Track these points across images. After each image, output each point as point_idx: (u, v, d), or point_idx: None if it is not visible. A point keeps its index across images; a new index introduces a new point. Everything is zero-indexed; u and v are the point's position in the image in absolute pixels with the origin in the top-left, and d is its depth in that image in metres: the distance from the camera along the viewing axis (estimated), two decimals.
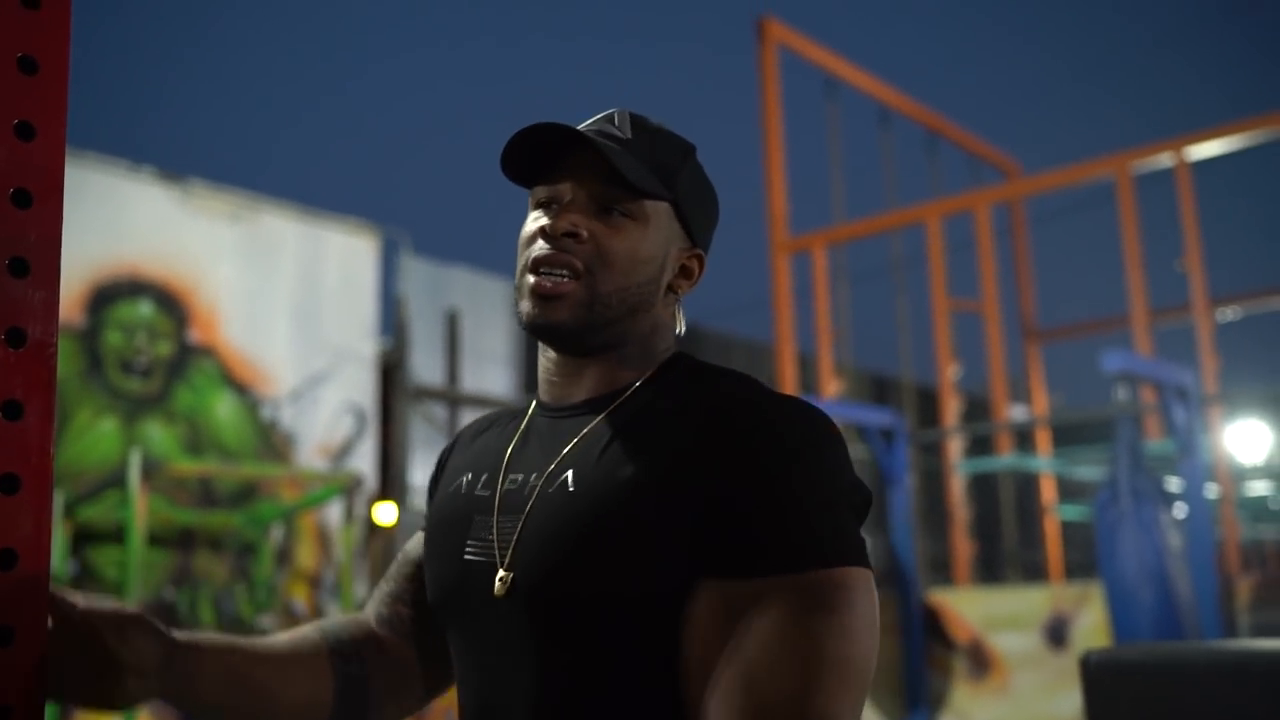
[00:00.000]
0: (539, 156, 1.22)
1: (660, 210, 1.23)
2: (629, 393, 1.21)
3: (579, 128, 1.24)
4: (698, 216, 1.28)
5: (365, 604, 1.43)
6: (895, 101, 9.28)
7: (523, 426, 1.28)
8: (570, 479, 1.16)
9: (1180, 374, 4.74)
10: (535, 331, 1.20)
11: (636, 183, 1.18)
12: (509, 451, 1.26)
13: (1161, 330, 8.18)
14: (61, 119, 0.97)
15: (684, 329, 1.29)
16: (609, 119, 1.25)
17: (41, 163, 0.96)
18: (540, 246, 1.19)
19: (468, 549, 1.20)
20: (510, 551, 1.16)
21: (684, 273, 1.27)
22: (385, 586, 1.41)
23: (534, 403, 1.30)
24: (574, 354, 1.23)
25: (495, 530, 1.18)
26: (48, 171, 0.96)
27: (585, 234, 1.18)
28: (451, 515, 1.26)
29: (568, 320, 1.18)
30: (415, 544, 1.41)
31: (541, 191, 1.23)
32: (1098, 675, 1.27)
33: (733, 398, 1.15)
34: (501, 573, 1.15)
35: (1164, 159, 6.99)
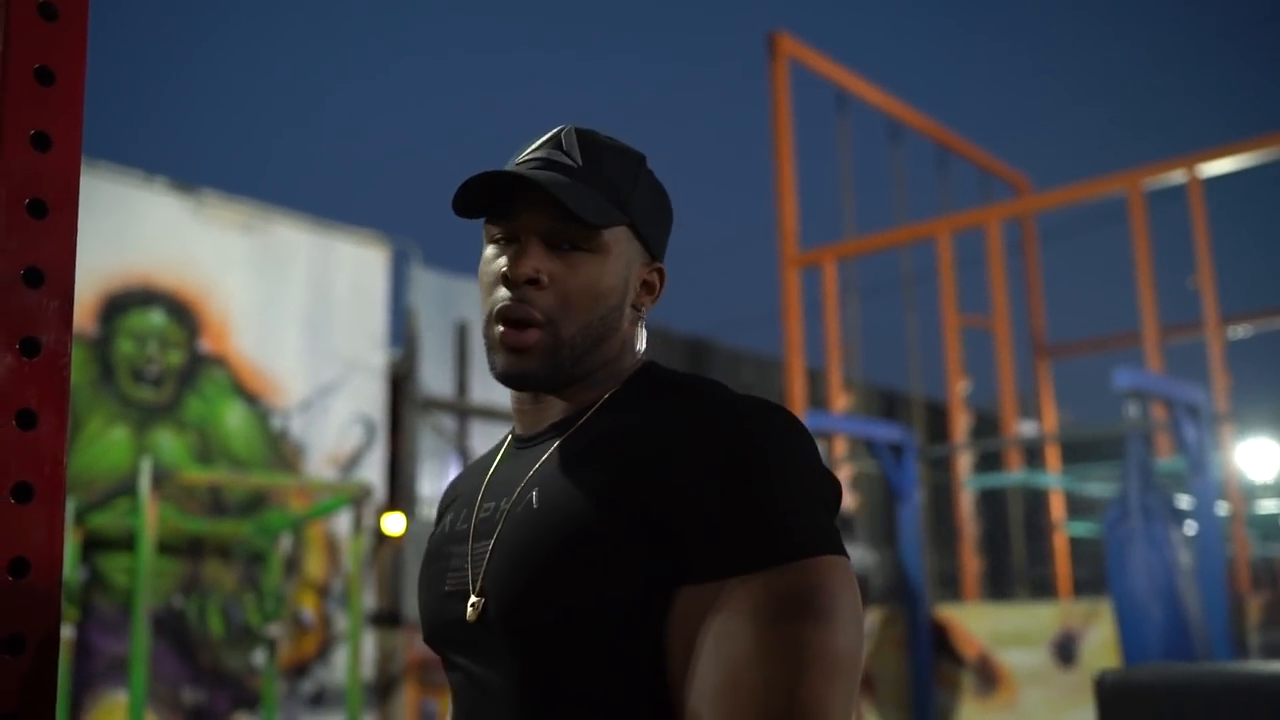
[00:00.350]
0: (491, 193, 1.21)
1: (618, 235, 1.22)
2: (592, 410, 1.22)
3: (526, 153, 1.23)
4: (655, 231, 1.27)
5: None
6: (906, 116, 9.28)
7: (497, 459, 1.30)
8: (534, 498, 1.16)
9: (1191, 391, 4.73)
10: (508, 383, 1.22)
11: (591, 219, 1.17)
12: (484, 484, 1.27)
13: (1172, 347, 8.15)
14: (77, 130, 0.98)
15: (644, 345, 1.29)
16: (557, 143, 1.23)
17: (57, 173, 0.96)
18: (503, 295, 1.19)
19: (448, 581, 1.21)
20: (481, 576, 1.16)
21: (646, 289, 1.27)
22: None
23: (509, 436, 1.32)
24: (546, 392, 1.24)
25: (469, 558, 1.19)
26: (63, 182, 0.97)
27: (545, 279, 1.18)
28: (434, 553, 1.28)
29: (537, 370, 1.19)
30: None
31: (496, 229, 1.22)
32: (1112, 696, 1.27)
33: (694, 402, 1.15)
34: (473, 598, 1.15)
35: (1176, 176, 6.98)
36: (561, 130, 1.25)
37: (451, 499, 1.36)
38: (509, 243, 1.21)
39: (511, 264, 1.18)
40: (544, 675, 1.12)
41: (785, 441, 1.10)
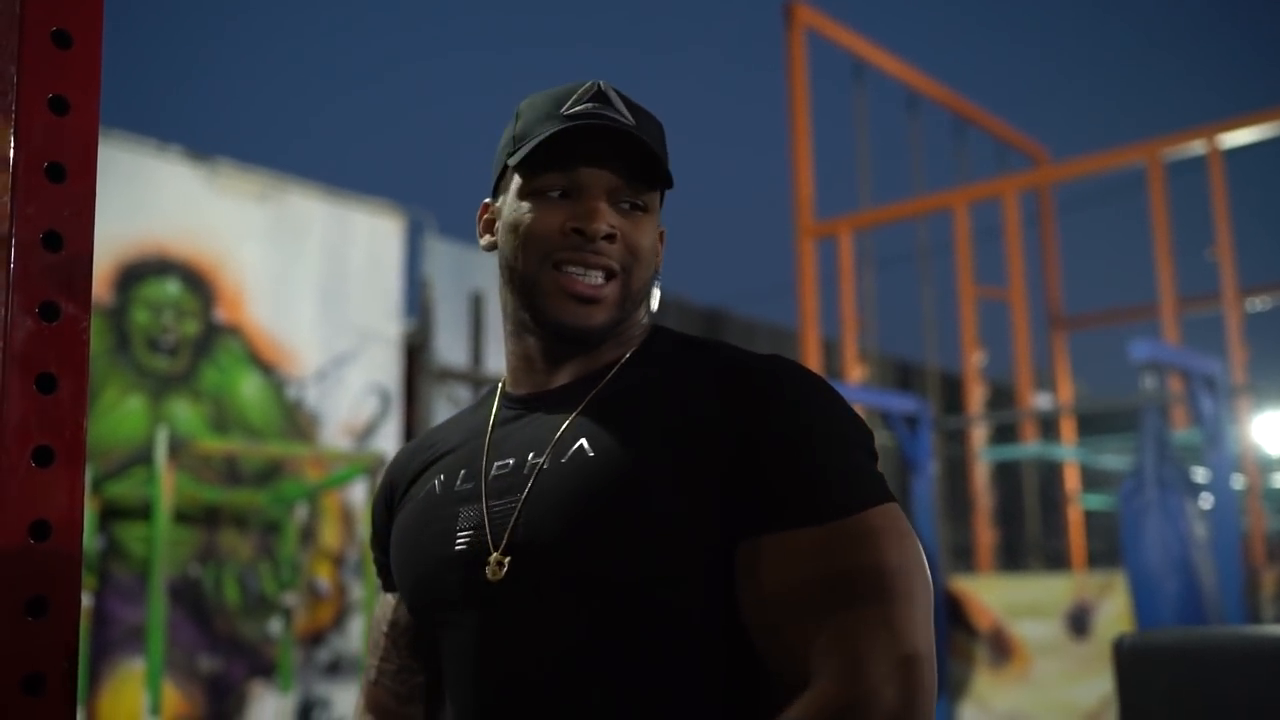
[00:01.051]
0: (547, 145, 1.17)
1: (656, 195, 1.23)
2: (619, 366, 1.21)
3: (572, 107, 1.19)
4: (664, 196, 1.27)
5: (369, 688, 1.35)
6: (923, 86, 9.22)
7: (493, 419, 1.25)
8: (587, 445, 1.13)
9: (1208, 363, 4.71)
10: (566, 334, 1.18)
11: (668, 174, 1.18)
12: (486, 443, 1.22)
13: (1190, 319, 8.11)
14: (95, 93, 0.98)
15: (656, 303, 1.27)
16: (603, 99, 1.20)
17: (75, 137, 0.96)
18: (571, 244, 1.16)
19: (459, 539, 1.16)
20: (508, 533, 1.12)
21: (657, 252, 1.27)
22: (387, 665, 1.33)
23: (498, 397, 1.27)
24: (585, 346, 1.21)
25: (486, 515, 1.15)
26: (82, 146, 0.96)
27: (619, 234, 1.17)
28: (430, 514, 1.21)
29: (605, 323, 1.18)
30: (386, 606, 1.34)
31: (555, 181, 1.18)
32: (1130, 660, 1.27)
33: (729, 364, 1.16)
34: (495, 555, 1.12)
35: (1196, 146, 6.92)
36: (597, 85, 1.21)
37: (424, 464, 1.29)
38: (565, 197, 1.18)
39: (588, 218, 1.16)
40: (592, 631, 1.08)
41: (824, 400, 1.13)
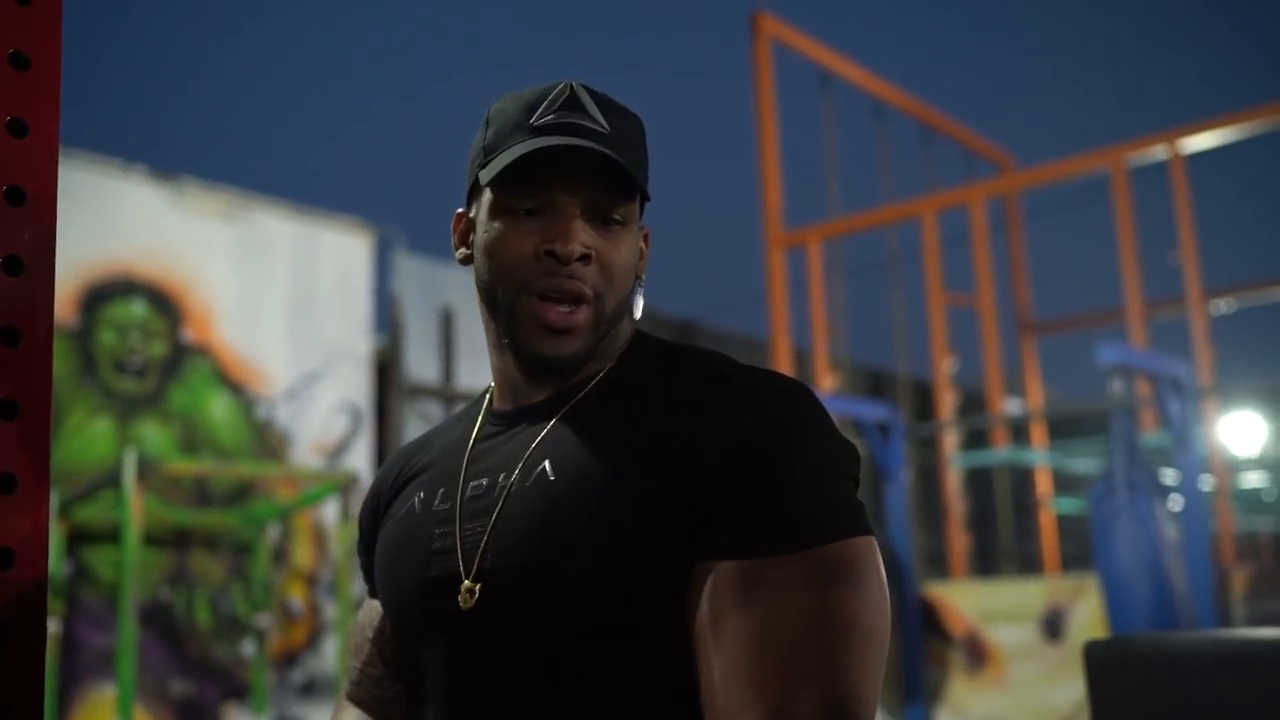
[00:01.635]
0: (520, 162, 1.12)
1: (634, 204, 1.16)
2: (595, 382, 1.17)
3: (543, 116, 1.14)
4: (646, 193, 1.20)
5: (352, 691, 1.34)
6: (889, 96, 9.28)
7: (474, 435, 1.22)
8: (549, 468, 1.10)
9: (1175, 366, 4.75)
10: (541, 364, 1.15)
11: (641, 186, 1.13)
12: (465, 461, 1.20)
13: (1156, 323, 8.19)
14: (54, 115, 0.97)
15: (639, 311, 1.22)
16: (576, 105, 1.14)
17: (35, 160, 0.95)
18: (544, 269, 1.11)
19: (433, 564, 1.14)
20: (478, 558, 1.10)
21: (639, 255, 1.21)
22: (371, 670, 1.31)
23: (484, 409, 1.25)
24: (560, 374, 1.18)
25: (459, 540, 1.13)
26: (41, 169, 0.95)
27: (593, 254, 1.12)
28: (409, 533, 1.19)
29: (579, 352, 1.14)
30: (372, 611, 1.33)
31: (526, 198, 1.13)
32: (1101, 665, 1.27)
33: (711, 376, 1.12)
34: (467, 583, 1.10)
35: (1158, 151, 7.00)
36: (570, 88, 1.16)
37: (409, 475, 1.27)
38: (533, 215, 1.13)
39: (562, 239, 1.11)
40: (564, 654, 1.07)
41: (808, 419, 1.07)
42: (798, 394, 1.10)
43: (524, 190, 1.13)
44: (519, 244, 1.13)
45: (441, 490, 1.20)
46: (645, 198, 1.18)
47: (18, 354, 0.91)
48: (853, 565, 1.01)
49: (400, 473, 1.30)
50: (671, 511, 1.04)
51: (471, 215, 1.21)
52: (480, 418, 1.25)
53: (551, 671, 1.07)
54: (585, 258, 1.12)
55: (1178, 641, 1.30)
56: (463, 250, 1.24)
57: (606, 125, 1.13)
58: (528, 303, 1.13)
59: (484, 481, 1.16)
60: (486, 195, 1.16)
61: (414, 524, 1.20)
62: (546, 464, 1.11)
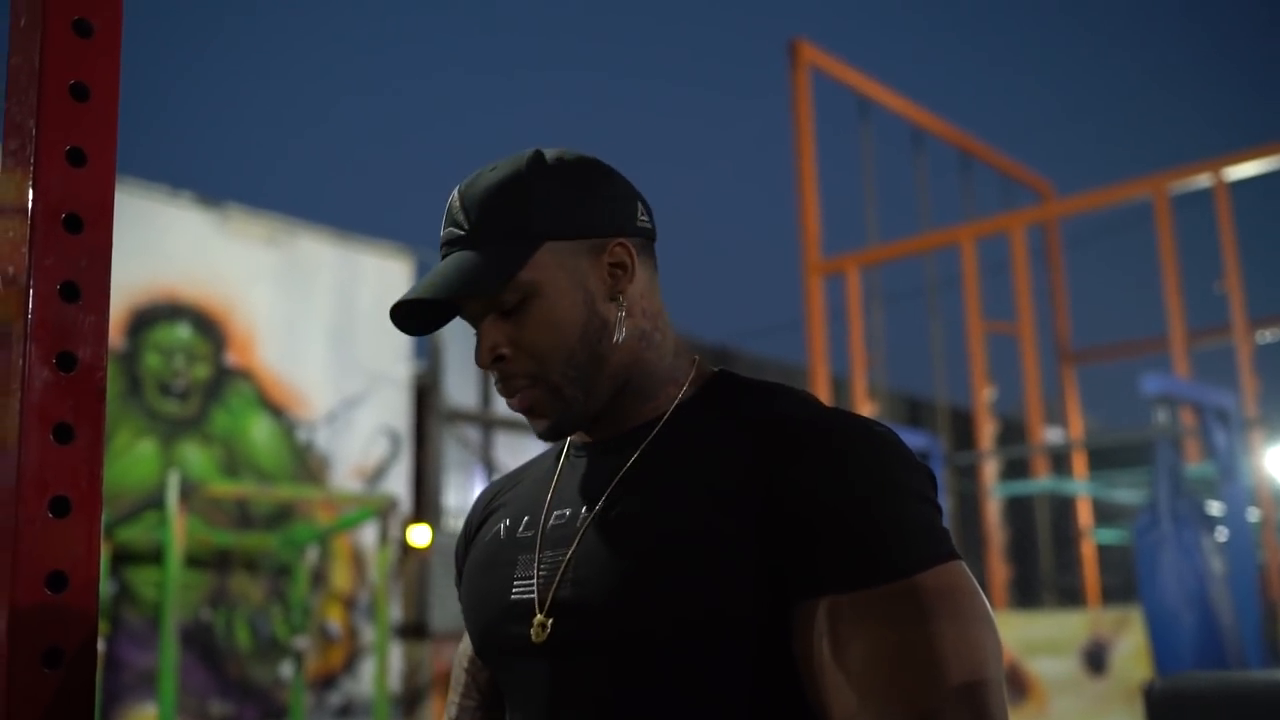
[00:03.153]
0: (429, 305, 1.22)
1: (543, 260, 1.15)
2: (669, 413, 1.19)
3: (442, 237, 1.21)
4: (586, 219, 1.18)
5: None
6: (928, 123, 9.26)
7: (560, 466, 1.25)
8: (630, 503, 1.12)
9: (1220, 396, 4.69)
10: (548, 440, 1.22)
11: (492, 289, 1.13)
12: (550, 491, 1.23)
13: (1200, 352, 8.09)
14: (112, 145, 0.98)
15: (622, 334, 1.21)
16: (450, 217, 1.20)
17: (92, 189, 0.97)
18: (494, 376, 1.19)
19: (515, 589, 1.17)
20: (554, 589, 1.12)
21: (616, 272, 1.19)
22: (467, 702, 1.34)
23: (568, 442, 1.27)
24: (591, 425, 1.21)
25: (537, 568, 1.15)
26: (98, 197, 0.97)
27: (506, 350, 1.16)
28: (494, 559, 1.23)
29: (558, 421, 1.18)
30: (468, 641, 1.35)
31: (464, 318, 1.22)
32: (1161, 703, 1.25)
33: (789, 418, 1.12)
34: (539, 616, 1.12)
35: (1202, 180, 6.93)
36: (451, 197, 1.22)
37: (498, 504, 1.31)
38: (474, 325, 1.21)
39: (476, 354, 1.19)
40: (640, 688, 1.08)
41: (887, 453, 1.09)
42: (873, 429, 1.11)
43: (462, 316, 1.22)
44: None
45: (526, 518, 1.23)
46: (501, 287, 1.16)
47: (74, 379, 0.93)
48: (961, 583, 1.04)
49: (491, 501, 1.34)
50: (752, 552, 1.05)
51: None
52: (565, 448, 1.27)
53: (622, 707, 1.08)
54: (500, 358, 1.17)
55: (1238, 682, 1.28)
56: None
57: (468, 225, 1.17)
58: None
59: (566, 512, 1.18)
60: None
61: (498, 549, 1.23)
62: (628, 499, 1.13)
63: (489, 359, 1.16)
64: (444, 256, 1.20)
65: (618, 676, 1.09)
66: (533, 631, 1.12)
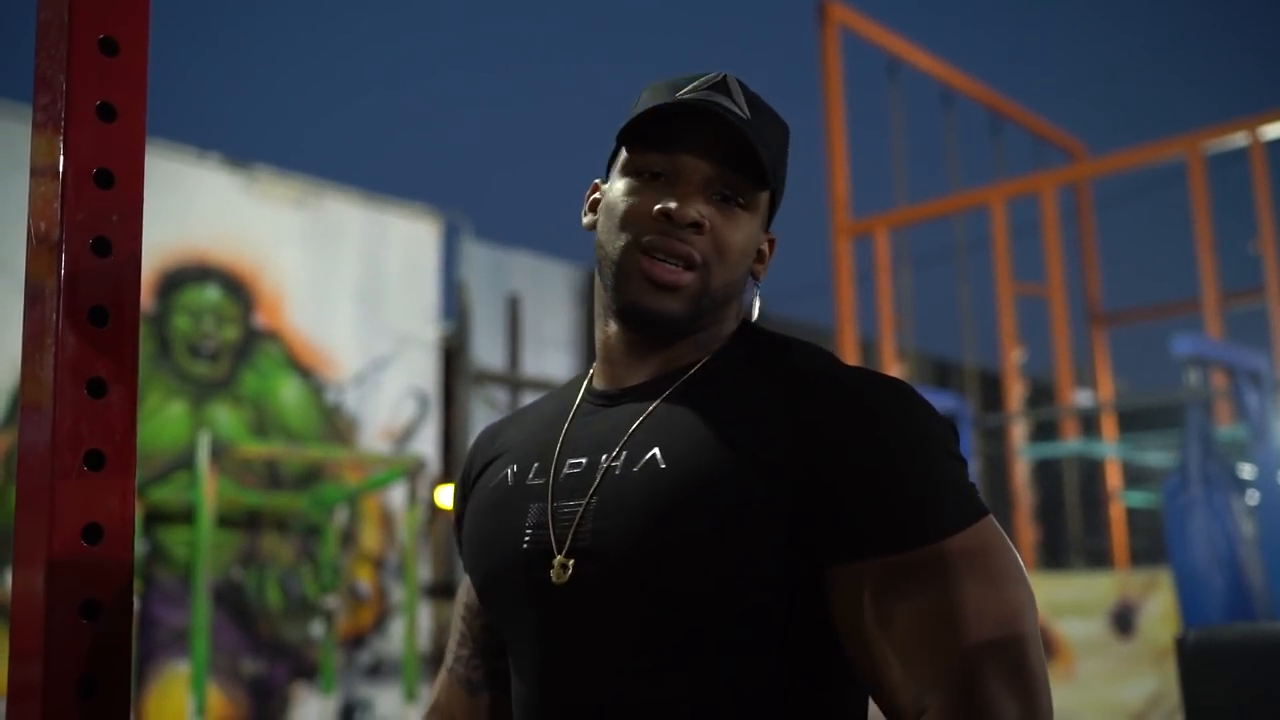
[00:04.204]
0: (654, 122, 1.16)
1: (762, 197, 1.19)
2: (698, 368, 1.18)
3: (689, 90, 1.17)
4: (779, 202, 1.25)
5: (445, 675, 1.36)
6: (958, 83, 9.16)
7: (574, 412, 1.23)
8: (659, 455, 1.10)
9: (1254, 358, 4.65)
10: (640, 317, 1.16)
11: (768, 174, 1.14)
12: (561, 438, 1.21)
13: (1233, 314, 8.01)
14: (142, 100, 0.98)
15: (756, 313, 1.25)
16: (724, 89, 1.17)
17: (123, 144, 0.97)
18: (657, 229, 1.14)
19: (525, 538, 1.15)
20: (572, 536, 1.11)
21: (760, 258, 1.24)
22: (461, 650, 1.34)
23: (584, 388, 1.26)
24: (661, 337, 1.18)
25: (551, 516, 1.14)
26: (129, 152, 0.97)
27: (708, 225, 1.14)
28: (500, 505, 1.21)
29: (679, 313, 1.15)
30: (465, 589, 1.35)
31: (655, 162, 1.16)
32: (1195, 655, 1.25)
33: (817, 375, 1.12)
34: (560, 558, 1.11)
35: (1238, 138, 6.83)
36: (723, 75, 1.19)
37: (501, 449, 1.28)
38: (658, 179, 1.16)
39: (680, 203, 1.13)
40: (657, 641, 1.07)
41: (916, 412, 1.09)
42: (900, 387, 1.11)
43: (654, 154, 1.16)
44: (639, 203, 1.16)
45: (536, 465, 1.21)
46: (775, 196, 1.21)
47: (106, 333, 0.93)
48: (995, 540, 1.05)
49: (490, 447, 1.32)
50: (782, 512, 1.05)
51: (606, 185, 1.25)
52: (580, 396, 1.25)
53: (642, 656, 1.08)
54: (698, 225, 1.14)
55: (1274, 633, 1.27)
56: (589, 217, 1.27)
57: (748, 114, 1.16)
58: (637, 257, 1.15)
59: (583, 460, 1.17)
60: (621, 157, 1.21)
61: (505, 496, 1.21)
62: (656, 451, 1.12)
63: (693, 219, 1.14)
64: (698, 106, 1.14)
65: (633, 627, 1.08)
66: (553, 573, 1.11)
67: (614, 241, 1.17)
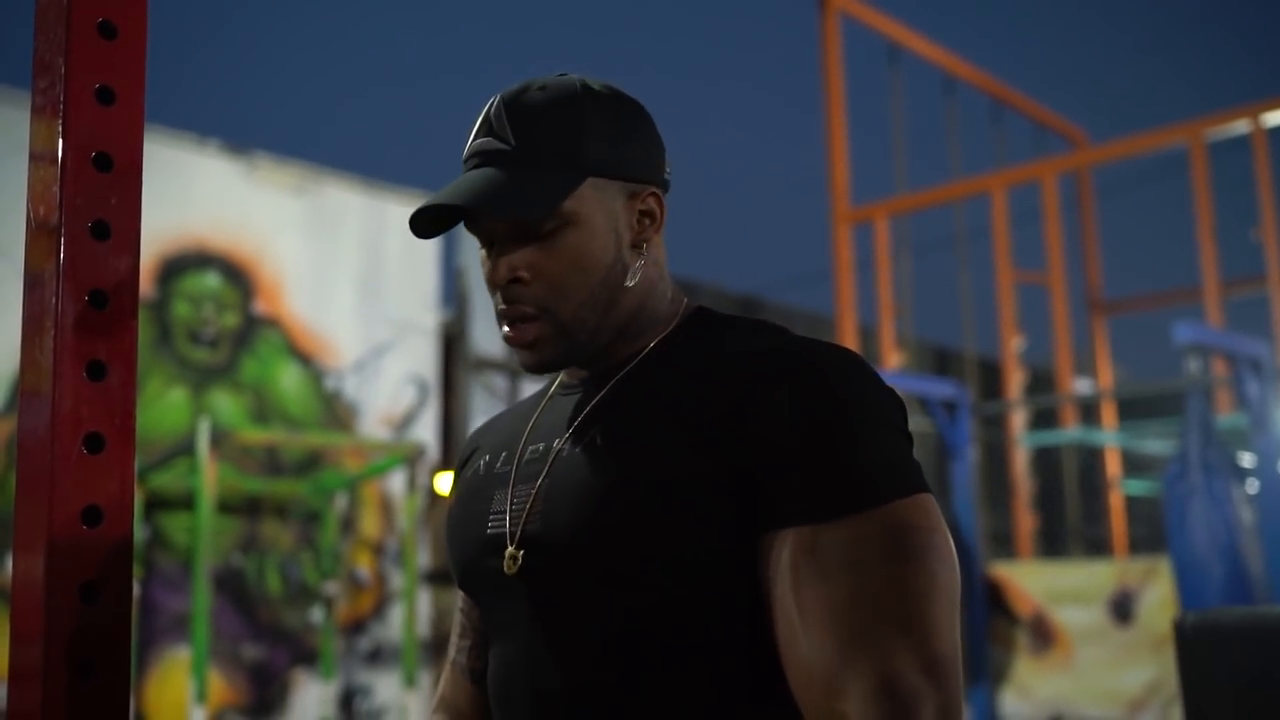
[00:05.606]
0: (451, 211, 1.17)
1: (585, 194, 1.14)
2: (646, 352, 1.19)
3: (469, 142, 1.17)
4: (628, 160, 1.18)
5: (449, 667, 1.37)
6: (959, 70, 9.14)
7: (543, 403, 1.26)
8: (598, 436, 1.12)
9: (1254, 346, 4.65)
10: (534, 373, 1.18)
11: (535, 211, 1.11)
12: (529, 426, 1.23)
13: (1233, 302, 8.01)
14: (140, 84, 0.98)
15: (636, 279, 1.19)
16: (489, 128, 1.16)
17: (122, 127, 0.97)
18: (498, 299, 1.16)
19: (490, 524, 1.17)
20: (523, 522, 1.12)
21: (645, 219, 1.20)
22: (463, 641, 1.35)
23: (556, 380, 1.28)
24: (580, 365, 1.21)
25: (509, 502, 1.16)
26: (128, 136, 0.97)
27: (525, 274, 1.14)
28: (472, 494, 1.23)
29: (552, 358, 1.16)
30: None
31: (473, 232, 1.18)
32: (1193, 639, 1.25)
33: (759, 347, 1.12)
34: (510, 549, 1.12)
35: (1240, 126, 6.82)
36: (490, 107, 1.17)
37: (481, 442, 1.31)
38: (489, 245, 1.18)
39: (491, 270, 1.16)
40: (609, 621, 1.08)
41: (858, 380, 1.08)
42: (844, 358, 1.10)
43: (472, 228, 1.18)
44: (484, 277, 1.19)
45: (504, 453, 1.23)
46: (548, 210, 1.13)
47: (105, 316, 0.93)
48: (921, 519, 1.03)
49: (479, 439, 1.34)
50: (722, 485, 1.05)
51: None
52: (552, 388, 1.28)
53: (591, 639, 1.09)
54: (516, 280, 1.15)
55: (1272, 616, 1.27)
56: None
57: (513, 142, 1.14)
58: (500, 328, 1.19)
59: (540, 446, 1.19)
60: None
61: (478, 485, 1.24)
62: (598, 429, 1.13)
63: (505, 279, 1.15)
64: (474, 167, 1.16)
65: (587, 610, 1.09)
66: (505, 564, 1.13)
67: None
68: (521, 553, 1.11)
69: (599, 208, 1.16)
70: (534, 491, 1.13)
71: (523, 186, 1.12)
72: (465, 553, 1.21)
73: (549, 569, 1.10)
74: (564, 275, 1.14)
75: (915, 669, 0.96)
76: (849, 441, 1.03)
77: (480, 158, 1.16)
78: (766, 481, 1.04)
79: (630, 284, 1.17)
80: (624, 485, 1.07)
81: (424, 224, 1.18)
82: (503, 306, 1.16)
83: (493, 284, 1.16)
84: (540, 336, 1.15)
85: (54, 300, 0.91)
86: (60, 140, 0.93)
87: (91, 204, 0.94)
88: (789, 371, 1.07)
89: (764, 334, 1.15)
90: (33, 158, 0.96)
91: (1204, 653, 1.28)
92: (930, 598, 0.99)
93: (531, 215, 1.11)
